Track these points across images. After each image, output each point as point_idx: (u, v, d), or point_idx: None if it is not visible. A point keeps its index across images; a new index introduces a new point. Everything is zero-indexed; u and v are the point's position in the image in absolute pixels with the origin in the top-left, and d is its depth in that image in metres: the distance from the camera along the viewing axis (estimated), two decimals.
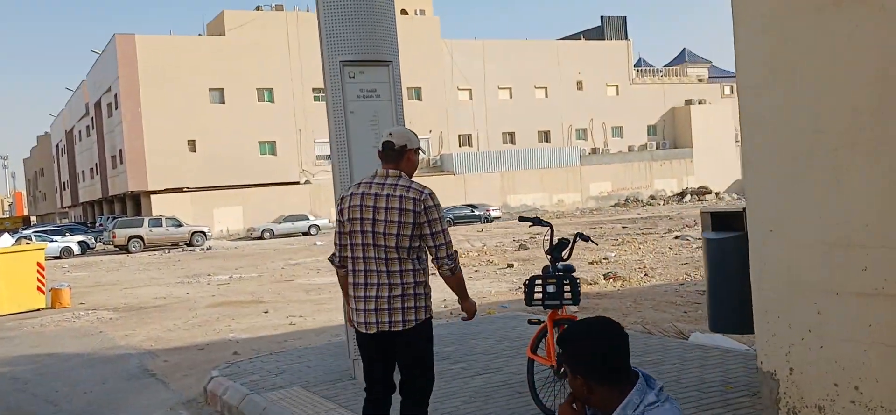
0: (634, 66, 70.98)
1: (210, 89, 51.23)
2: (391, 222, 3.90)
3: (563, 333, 2.51)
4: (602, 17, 72.63)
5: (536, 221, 5.30)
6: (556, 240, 5.22)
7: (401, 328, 3.92)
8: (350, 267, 4.12)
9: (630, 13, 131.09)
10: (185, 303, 16.10)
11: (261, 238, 45.34)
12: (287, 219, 47.22)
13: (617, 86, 66.99)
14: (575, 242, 5.26)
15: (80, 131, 69.02)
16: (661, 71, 74.45)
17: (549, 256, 5.26)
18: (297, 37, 52.84)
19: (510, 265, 19.58)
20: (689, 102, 69.41)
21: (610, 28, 72.18)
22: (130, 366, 9.43)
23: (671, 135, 69.17)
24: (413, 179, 4.08)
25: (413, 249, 3.92)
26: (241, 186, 51.02)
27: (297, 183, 52.99)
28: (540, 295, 4.94)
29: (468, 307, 4.16)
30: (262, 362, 7.75)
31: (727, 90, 77.96)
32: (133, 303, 16.78)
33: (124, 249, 39.45)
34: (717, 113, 68.87)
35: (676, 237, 24.79)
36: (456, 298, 4.22)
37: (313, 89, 53.28)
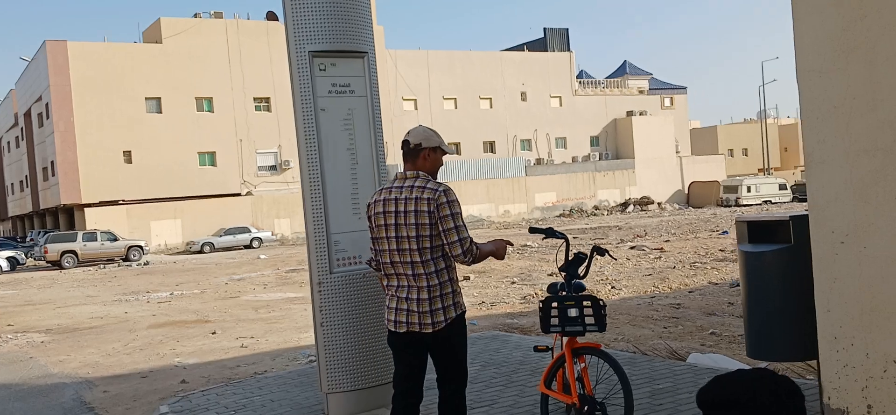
0: (577, 77, 71.27)
1: (146, 99, 49.41)
2: (410, 225, 3.95)
3: (708, 394, 1.80)
4: (545, 28, 72.75)
5: (550, 233, 4.61)
6: (571, 255, 4.54)
7: (430, 331, 3.98)
8: (382, 271, 4.19)
9: (572, 25, 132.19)
10: (125, 323, 14.97)
11: (201, 252, 43.78)
12: (228, 232, 45.74)
13: (560, 97, 67.13)
14: (592, 257, 4.59)
15: (8, 142, 66.12)
16: (602, 82, 74.91)
17: (562, 274, 4.58)
18: (237, 45, 51.44)
19: (466, 278, 18.89)
20: (630, 114, 69.95)
21: (553, 40, 72.35)
22: (65, 398, 8.42)
23: (613, 146, 69.61)
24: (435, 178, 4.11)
25: (436, 248, 3.97)
26: (179, 198, 49.25)
27: (239, 195, 51.47)
28: (556, 320, 4.25)
29: (499, 254, 4.14)
30: (217, 394, 6.87)
31: (667, 102, 78.93)
32: (67, 324, 15.56)
33: (57, 264, 37.56)
34: (658, 124, 69.62)
35: (632, 247, 24.44)
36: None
37: (255, 99, 51.85)
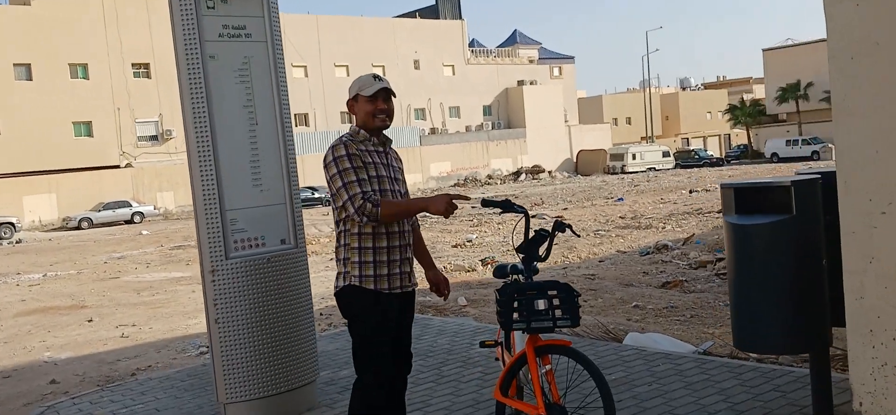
0: (469, 46, 70.81)
1: (15, 65, 45.63)
2: None
3: None
4: None
5: (506, 207, 3.79)
6: (531, 232, 3.73)
7: (334, 292, 3.88)
8: None
9: None
10: None
11: (78, 228, 40.96)
12: (107, 206, 43.02)
13: (453, 66, 66.54)
14: (555, 235, 3.79)
15: None
16: (494, 51, 74.79)
17: (520, 256, 3.77)
18: (113, 7, 48.15)
19: None
20: (521, 83, 70.16)
21: (444, 7, 71.60)
22: None
23: (505, 115, 69.72)
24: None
25: (339, 209, 3.78)
26: (53, 171, 45.86)
27: (118, 167, 48.47)
28: (517, 314, 3.42)
29: (435, 208, 3.66)
30: (90, 403, 5.73)
31: (556, 71, 79.66)
32: None
33: None
34: (548, 94, 70.18)
35: (533, 216, 24.04)
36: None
37: (133, 64, 48.80)
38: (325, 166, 3.76)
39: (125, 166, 48.72)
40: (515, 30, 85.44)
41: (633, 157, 61.90)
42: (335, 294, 3.87)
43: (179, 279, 15.97)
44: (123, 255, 23.01)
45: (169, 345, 9.03)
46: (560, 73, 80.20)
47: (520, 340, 3.86)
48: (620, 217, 21.32)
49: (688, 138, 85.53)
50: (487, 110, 68.53)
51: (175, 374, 6.54)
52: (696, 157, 66.37)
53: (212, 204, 4.64)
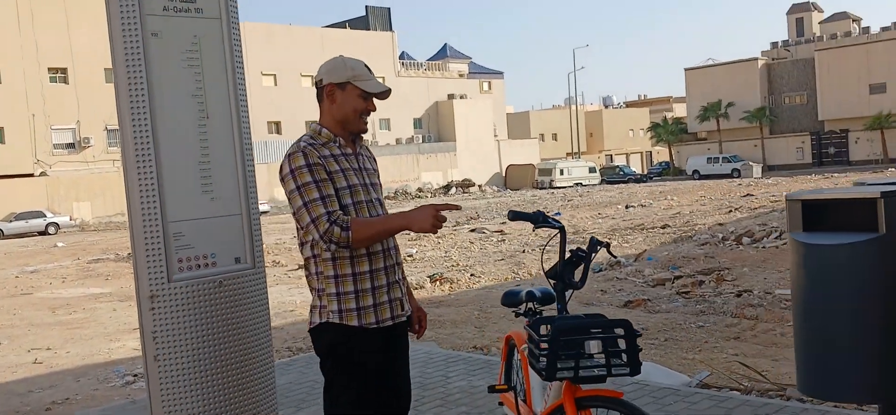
0: (399, 58, 70.26)
1: None
2: None
3: None
4: (367, 6, 71.09)
5: (539, 220, 3.09)
6: (567, 252, 3.04)
7: (309, 329, 3.22)
8: None
9: (393, 5, 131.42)
10: None
11: None
12: (19, 216, 40.65)
13: (383, 77, 65.75)
14: (591, 255, 3.10)
15: None
16: (424, 64, 74.39)
17: (551, 282, 3.07)
18: (29, 8, 45.72)
19: (303, 266, 16.96)
20: (451, 97, 69.93)
21: (375, 18, 70.97)
22: None
23: (436, 128, 69.37)
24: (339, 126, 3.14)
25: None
26: None
27: (32, 175, 45.94)
28: (569, 364, 2.69)
29: (419, 225, 2.92)
30: None
31: (486, 86, 79.69)
32: None
33: None
34: (478, 108, 70.20)
35: (472, 230, 23.44)
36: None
37: (50, 69, 46.45)
38: (282, 180, 3.13)
39: (39, 175, 46.24)
40: (445, 44, 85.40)
41: (561, 172, 62.36)
42: (310, 331, 3.24)
43: (98, 296, 14.74)
44: (37, 268, 21.42)
45: (89, 372, 8.00)
46: (489, 88, 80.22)
47: (539, 387, 3.16)
48: None
49: (611, 155, 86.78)
50: (418, 123, 68.01)
51: (98, 412, 5.59)
52: (621, 173, 67.36)
53: (151, 214, 3.79)
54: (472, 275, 13.60)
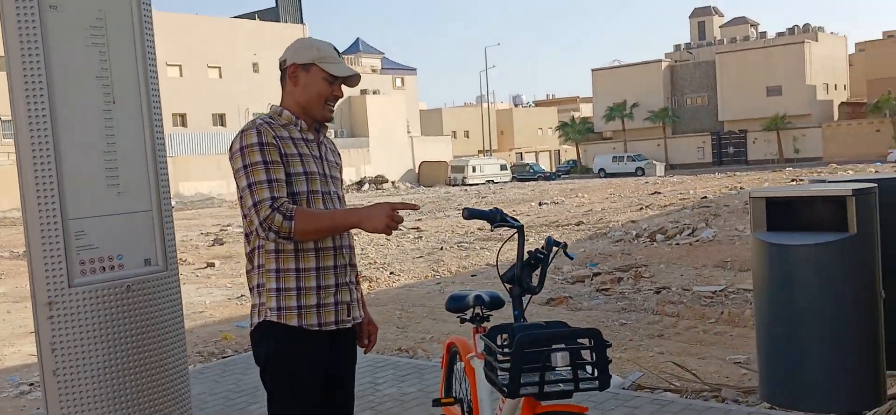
0: None
1: None
2: None
3: None
4: None
5: (496, 219, 2.83)
6: (525, 254, 2.79)
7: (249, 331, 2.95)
8: None
9: None
10: None
11: None
12: None
13: None
14: (552, 257, 2.86)
15: None
16: None
17: (508, 286, 2.81)
18: None
19: (210, 264, 16.32)
20: (364, 92, 69.31)
21: (285, 10, 69.68)
22: None
23: (348, 124, 68.61)
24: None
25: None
26: None
27: None
28: (533, 379, 2.44)
29: (371, 225, 2.65)
30: None
31: (398, 82, 79.42)
32: None
33: None
34: (391, 104, 69.84)
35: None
36: None
37: None
38: (231, 157, 2.85)
39: None
40: (358, 38, 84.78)
41: (474, 169, 62.73)
42: (250, 334, 3.02)
43: None
44: None
45: None
46: (402, 84, 79.98)
47: (489, 400, 2.91)
48: (478, 229, 20.76)
49: (521, 153, 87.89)
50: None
51: None
52: (531, 171, 68.31)
53: (49, 211, 3.36)
54: (391, 273, 13.29)
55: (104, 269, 3.48)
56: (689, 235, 14.89)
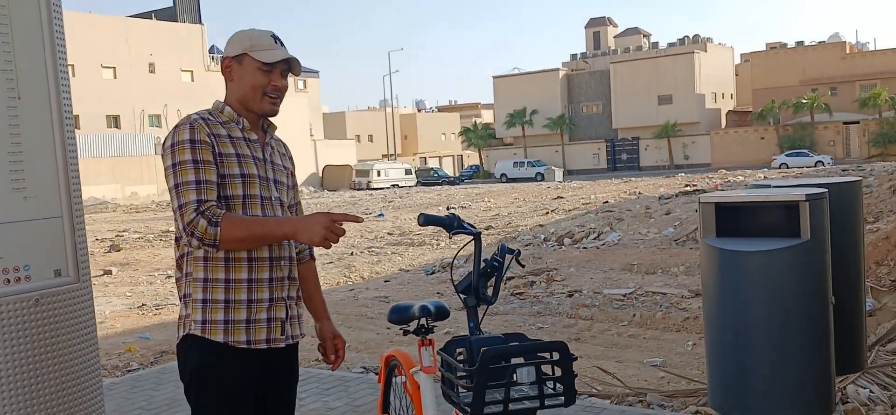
0: (209, 52, 67.39)
1: None
2: None
3: None
4: None
5: (453, 225, 2.67)
6: (482, 262, 2.65)
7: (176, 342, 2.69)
8: None
9: None
10: None
11: None
12: None
13: (192, 71, 62.95)
14: (507, 265, 2.74)
15: None
16: None
17: (461, 295, 2.67)
18: None
19: (108, 271, 15.54)
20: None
21: (183, 9, 67.63)
22: None
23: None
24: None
25: None
26: None
27: None
28: (496, 396, 2.30)
29: (308, 236, 2.43)
30: None
31: (301, 84, 78.31)
32: None
33: None
34: (294, 107, 68.71)
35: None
36: None
37: None
38: (162, 155, 2.64)
39: None
40: None
41: (378, 173, 62.50)
42: (176, 346, 2.76)
43: None
44: None
45: None
46: (305, 87, 78.83)
47: (431, 399, 2.77)
48: (388, 233, 20.58)
49: (425, 158, 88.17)
50: None
51: None
52: (435, 175, 68.60)
53: None
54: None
55: (9, 281, 3.15)
56: (595, 238, 15.14)
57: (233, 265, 2.57)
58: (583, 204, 24.26)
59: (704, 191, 22.23)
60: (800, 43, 78.74)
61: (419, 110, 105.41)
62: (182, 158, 2.53)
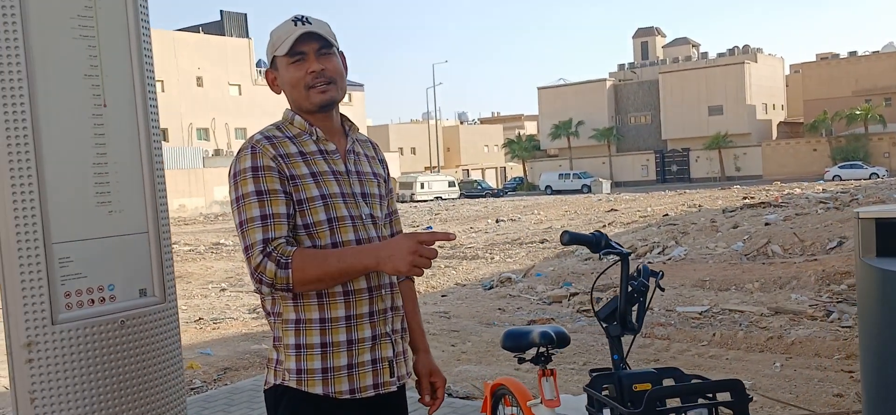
0: (256, 65, 68.09)
1: None
2: None
3: None
4: (221, 11, 68.40)
5: (600, 245, 2.39)
6: (629, 285, 2.36)
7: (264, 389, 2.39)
8: None
9: (250, 10, 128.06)
10: None
11: None
12: None
13: (239, 85, 63.64)
14: (652, 291, 2.44)
15: None
16: None
17: (603, 324, 2.38)
18: None
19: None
20: None
21: (230, 24, 68.44)
22: None
23: None
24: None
25: None
26: None
27: None
28: None
29: (392, 265, 2.07)
30: None
31: (347, 98, 78.80)
32: None
33: None
34: None
35: None
36: None
37: None
38: (234, 177, 2.29)
39: None
40: None
41: (422, 186, 62.39)
42: (264, 390, 2.42)
43: None
44: None
45: None
46: (350, 100, 79.21)
47: None
48: (439, 246, 20.35)
49: (468, 170, 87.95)
50: None
51: None
52: (479, 187, 68.30)
53: (29, 234, 2.83)
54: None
55: (93, 302, 2.94)
56: (659, 252, 14.69)
57: (328, 303, 2.24)
58: (640, 216, 23.75)
59: (768, 203, 21.59)
60: (852, 53, 76.94)
61: (462, 122, 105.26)
62: (245, 191, 2.22)
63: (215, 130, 60.77)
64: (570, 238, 2.54)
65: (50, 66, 2.85)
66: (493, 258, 16.70)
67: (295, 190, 2.25)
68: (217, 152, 59.53)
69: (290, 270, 2.13)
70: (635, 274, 2.55)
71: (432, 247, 2.08)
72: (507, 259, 16.62)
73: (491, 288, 12.62)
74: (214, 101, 60.36)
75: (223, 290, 14.57)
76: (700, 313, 9.43)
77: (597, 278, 2.82)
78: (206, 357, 8.22)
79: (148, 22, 3.20)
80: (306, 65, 2.29)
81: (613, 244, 2.55)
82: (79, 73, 2.94)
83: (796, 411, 5.71)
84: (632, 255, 2.64)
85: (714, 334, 8.45)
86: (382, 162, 2.58)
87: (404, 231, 2.37)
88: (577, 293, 11.42)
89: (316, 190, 2.26)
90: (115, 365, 2.96)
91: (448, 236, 2.14)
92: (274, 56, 2.34)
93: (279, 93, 2.41)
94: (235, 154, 2.33)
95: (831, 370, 6.87)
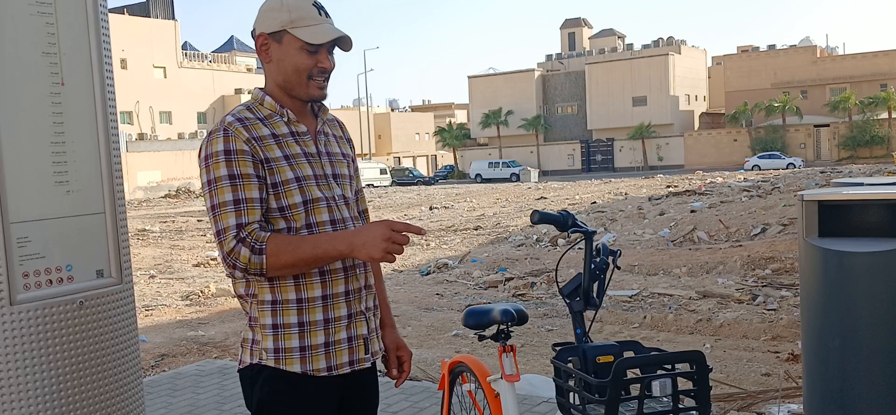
0: (182, 48, 66.60)
1: None
2: None
3: None
4: None
5: (567, 223, 2.48)
6: (592, 263, 2.46)
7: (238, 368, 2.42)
8: None
9: None
10: None
11: None
12: None
13: (164, 68, 62.16)
14: (613, 268, 2.55)
15: None
16: (210, 56, 71.10)
17: (567, 300, 2.48)
18: None
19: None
20: (238, 91, 67.42)
21: (156, 6, 66.76)
22: None
23: None
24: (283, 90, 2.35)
25: None
26: None
27: None
28: (630, 410, 2.12)
29: (366, 251, 2.13)
30: None
31: None
32: None
33: None
34: None
35: None
36: None
37: None
38: (204, 160, 2.29)
39: None
40: (232, 36, 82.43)
41: None
42: (239, 371, 2.44)
43: None
44: None
45: None
46: None
47: (514, 408, 2.58)
48: None
49: (399, 157, 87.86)
50: (202, 117, 64.78)
51: None
52: (410, 175, 68.35)
53: None
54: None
55: (51, 282, 2.90)
56: None
57: (304, 283, 2.27)
58: (569, 204, 24.19)
59: (693, 191, 22.24)
60: (772, 46, 79.66)
61: (393, 110, 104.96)
62: (217, 174, 2.22)
63: (139, 114, 59.23)
64: (539, 217, 2.64)
65: (8, 44, 2.80)
66: (428, 245, 16.80)
67: (269, 173, 2.26)
68: (141, 136, 58.02)
69: (264, 256, 2.16)
70: (595, 253, 2.66)
71: (404, 234, 2.12)
72: (443, 246, 16.75)
73: (428, 274, 12.72)
74: (139, 84, 58.78)
75: (152, 277, 14.29)
76: (630, 297, 9.72)
77: (560, 258, 2.93)
78: (142, 344, 8.08)
79: (105, 1, 3.16)
80: (319, 58, 2.29)
81: (579, 223, 2.66)
82: (37, 52, 2.89)
83: (727, 389, 5.97)
84: (595, 233, 2.74)
85: (645, 317, 8.73)
86: (349, 141, 2.61)
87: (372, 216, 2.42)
88: (512, 278, 11.62)
89: (290, 172, 2.27)
90: (73, 346, 2.94)
91: (419, 230, 2.18)
92: (285, 30, 2.28)
93: (269, 62, 2.39)
94: (206, 135, 2.33)
95: (759, 351, 7.20)
